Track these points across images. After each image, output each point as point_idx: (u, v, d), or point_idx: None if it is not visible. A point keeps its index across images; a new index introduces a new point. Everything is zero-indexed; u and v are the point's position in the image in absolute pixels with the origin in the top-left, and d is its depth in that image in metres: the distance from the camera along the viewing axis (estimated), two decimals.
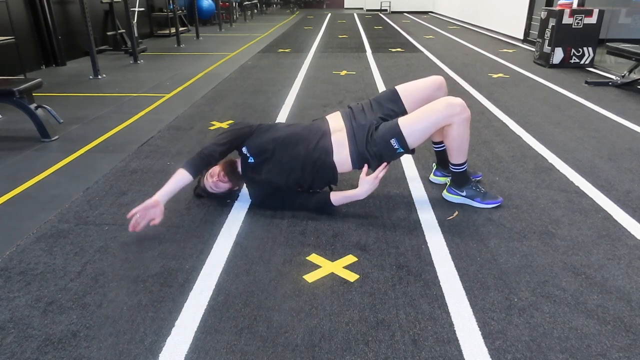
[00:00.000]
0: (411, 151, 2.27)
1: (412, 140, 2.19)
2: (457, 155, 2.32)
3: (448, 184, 2.48)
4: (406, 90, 2.46)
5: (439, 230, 2.20)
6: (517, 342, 1.52)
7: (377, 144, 2.21)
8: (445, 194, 2.48)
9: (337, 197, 2.28)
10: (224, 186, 2.38)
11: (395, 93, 2.44)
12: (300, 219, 2.29)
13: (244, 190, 2.59)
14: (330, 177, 2.31)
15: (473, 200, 2.40)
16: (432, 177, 2.73)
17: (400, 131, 2.17)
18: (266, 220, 2.29)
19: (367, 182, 2.21)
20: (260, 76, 5.78)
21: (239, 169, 2.37)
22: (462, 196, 2.42)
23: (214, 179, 2.34)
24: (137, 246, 2.07)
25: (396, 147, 2.18)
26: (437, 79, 2.50)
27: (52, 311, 1.67)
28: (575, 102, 4.46)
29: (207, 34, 10.62)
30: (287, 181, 2.30)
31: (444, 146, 2.53)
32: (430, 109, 2.19)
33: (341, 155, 2.26)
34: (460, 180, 2.40)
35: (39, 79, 3.57)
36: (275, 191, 2.35)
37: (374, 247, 2.06)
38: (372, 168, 2.27)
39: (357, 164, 2.27)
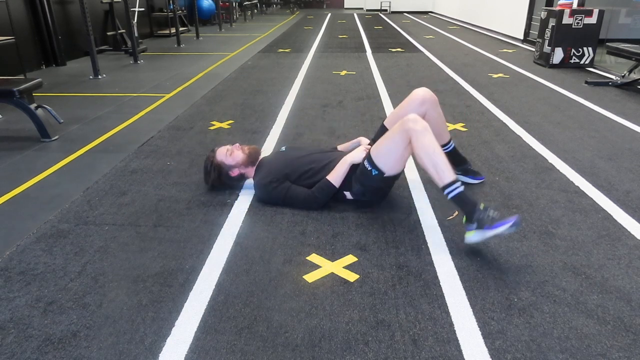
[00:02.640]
0: (392, 176, 2.27)
1: (380, 160, 2.21)
2: (436, 175, 2.02)
3: (464, 220, 2.06)
4: (390, 120, 2.48)
5: (439, 230, 2.20)
6: (517, 342, 1.52)
7: (359, 169, 2.32)
8: (466, 237, 2.04)
9: (335, 176, 2.35)
10: (238, 158, 2.48)
11: (383, 127, 2.49)
12: (300, 219, 2.29)
13: (244, 190, 2.59)
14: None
15: (483, 229, 1.95)
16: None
17: (369, 154, 2.26)
18: (266, 220, 2.29)
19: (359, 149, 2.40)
20: (260, 76, 5.78)
21: (259, 160, 2.56)
22: (475, 230, 1.98)
23: (233, 148, 2.51)
24: (137, 246, 2.07)
25: (369, 168, 2.24)
26: (416, 94, 2.46)
27: (52, 311, 1.67)
28: (575, 102, 4.46)
29: (207, 34, 10.62)
30: (292, 172, 2.43)
31: (447, 147, 2.56)
32: (391, 128, 2.25)
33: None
34: (465, 209, 2.00)
35: (39, 79, 3.57)
36: (279, 183, 2.40)
37: (374, 247, 2.06)
38: (354, 192, 2.37)
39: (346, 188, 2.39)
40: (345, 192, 2.39)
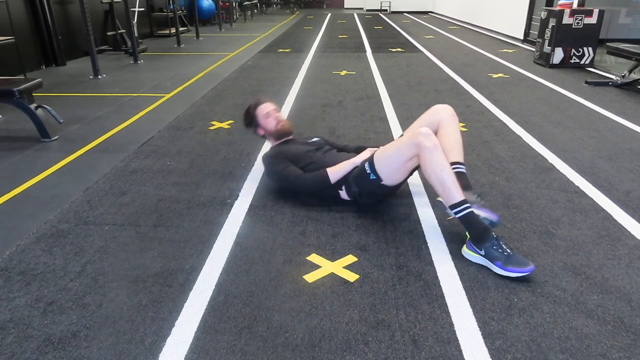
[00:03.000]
0: (388, 185, 2.22)
1: (381, 167, 2.17)
2: (444, 194, 1.98)
3: (468, 236, 2.01)
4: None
5: (439, 230, 2.20)
6: (517, 342, 1.52)
7: (358, 170, 2.31)
8: (464, 250, 2.01)
9: (335, 171, 2.36)
10: (269, 126, 2.68)
11: None
12: (300, 219, 2.29)
13: (244, 190, 2.60)
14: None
15: (493, 263, 1.87)
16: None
17: (372, 157, 2.24)
18: (266, 220, 2.29)
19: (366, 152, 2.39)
20: (260, 76, 5.78)
21: (285, 139, 2.71)
22: (480, 255, 1.92)
23: (273, 113, 2.69)
24: (137, 246, 2.07)
25: (368, 171, 2.21)
26: (435, 106, 2.43)
27: (52, 311, 1.67)
28: (575, 102, 4.46)
29: (207, 34, 10.62)
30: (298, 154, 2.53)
31: (456, 167, 2.25)
32: (400, 138, 2.25)
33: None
34: (472, 231, 1.95)
35: (39, 79, 3.57)
36: (279, 162, 2.49)
37: (374, 247, 2.06)
38: (351, 193, 2.35)
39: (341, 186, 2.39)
40: (340, 191, 2.38)
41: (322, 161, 2.45)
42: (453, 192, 1.94)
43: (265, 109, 2.70)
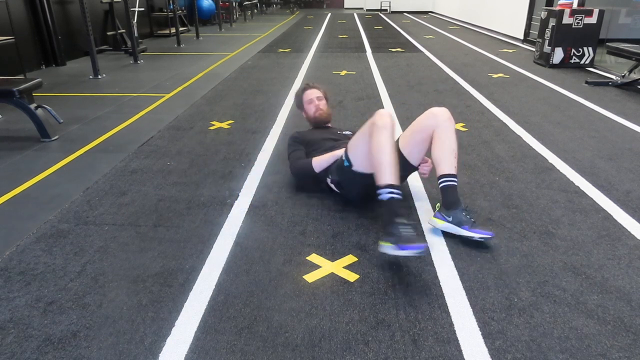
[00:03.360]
0: (360, 173, 2.20)
1: (352, 151, 2.23)
2: (376, 173, 1.99)
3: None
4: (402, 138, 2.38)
5: (439, 230, 2.20)
6: (517, 342, 1.52)
7: (339, 159, 2.37)
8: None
9: (319, 160, 2.46)
10: (309, 112, 2.87)
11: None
12: (300, 219, 2.29)
13: (244, 190, 2.60)
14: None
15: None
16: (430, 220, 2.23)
17: (346, 147, 2.31)
18: (266, 220, 2.29)
19: None
20: (260, 76, 5.78)
21: (321, 125, 2.86)
22: (448, 222, 2.08)
23: (315, 100, 2.85)
24: (137, 246, 2.07)
25: (343, 158, 2.28)
26: (431, 109, 2.27)
27: (52, 311, 1.67)
28: (575, 102, 4.46)
29: (207, 34, 10.62)
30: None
31: (445, 180, 2.14)
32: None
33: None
34: (384, 217, 1.95)
35: (39, 79, 3.57)
36: (294, 143, 2.68)
37: (374, 247, 2.06)
38: (335, 182, 2.42)
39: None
40: (327, 180, 2.46)
41: (325, 151, 2.51)
42: (383, 174, 1.95)
43: (310, 95, 2.86)
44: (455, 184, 2.12)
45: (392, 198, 1.91)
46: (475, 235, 2.03)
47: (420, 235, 2.09)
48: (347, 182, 2.34)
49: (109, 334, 1.56)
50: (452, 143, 2.18)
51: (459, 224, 2.06)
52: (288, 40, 9.54)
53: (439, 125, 2.20)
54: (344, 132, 2.79)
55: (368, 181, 2.12)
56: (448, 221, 2.09)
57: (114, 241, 2.11)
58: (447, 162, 2.14)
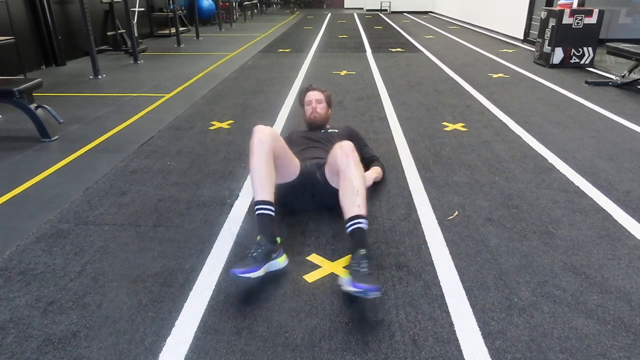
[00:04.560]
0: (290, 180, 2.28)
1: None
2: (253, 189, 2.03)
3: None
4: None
5: (439, 230, 2.20)
6: (517, 342, 1.52)
7: None
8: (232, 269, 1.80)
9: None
10: (306, 112, 2.81)
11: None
12: (300, 219, 2.29)
13: (244, 190, 2.60)
14: None
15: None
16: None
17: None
18: None
19: None
20: (260, 76, 5.78)
21: (314, 127, 2.78)
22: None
23: (313, 102, 2.78)
24: (137, 246, 2.07)
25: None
26: (332, 152, 2.11)
27: (52, 311, 1.67)
28: (575, 102, 4.46)
29: (207, 34, 10.62)
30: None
31: (349, 224, 1.86)
32: None
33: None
34: (258, 229, 1.91)
35: (39, 79, 3.57)
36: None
37: (374, 247, 2.06)
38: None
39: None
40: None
41: (297, 153, 2.43)
42: (256, 192, 1.96)
43: (310, 97, 2.82)
44: (362, 227, 1.85)
45: (260, 213, 1.91)
46: (353, 290, 1.61)
47: (266, 255, 1.82)
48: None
49: (109, 334, 1.56)
50: (355, 182, 1.93)
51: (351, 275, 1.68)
52: (288, 40, 9.54)
53: (339, 165, 1.99)
54: (329, 130, 2.75)
55: (289, 191, 2.26)
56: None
57: (114, 241, 2.11)
58: (347, 204, 1.91)
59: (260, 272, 1.75)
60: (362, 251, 1.76)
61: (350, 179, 1.94)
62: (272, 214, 1.92)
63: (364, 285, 1.59)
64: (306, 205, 2.36)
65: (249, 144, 2.03)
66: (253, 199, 2.01)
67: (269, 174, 1.99)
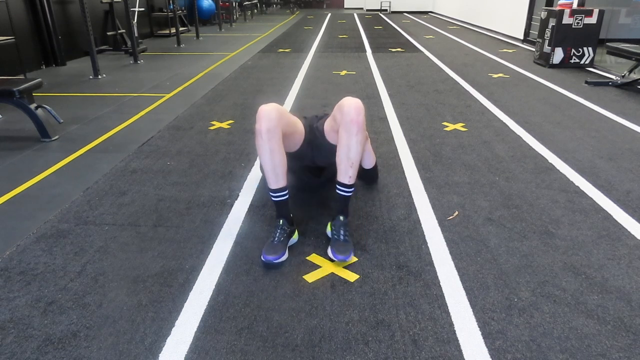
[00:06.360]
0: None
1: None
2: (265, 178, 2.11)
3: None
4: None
5: (439, 230, 2.20)
6: (517, 342, 1.52)
7: None
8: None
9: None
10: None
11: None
12: (300, 219, 2.29)
13: (244, 190, 2.60)
14: None
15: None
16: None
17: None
18: (266, 220, 2.29)
19: None
20: (260, 76, 5.78)
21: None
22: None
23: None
24: (137, 246, 2.07)
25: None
26: (339, 105, 2.11)
27: (52, 311, 1.67)
28: (575, 102, 4.46)
29: (207, 34, 10.62)
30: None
31: (337, 189, 2.06)
32: None
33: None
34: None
35: (39, 79, 3.57)
36: None
37: (374, 247, 2.06)
38: None
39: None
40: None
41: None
42: (269, 180, 2.01)
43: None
44: (346, 194, 2.03)
45: (281, 200, 2.04)
46: (333, 259, 1.94)
47: (288, 237, 2.03)
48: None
49: (109, 334, 1.56)
50: (351, 146, 1.95)
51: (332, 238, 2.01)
52: (288, 40, 9.54)
53: (342, 123, 1.98)
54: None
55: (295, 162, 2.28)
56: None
57: (114, 241, 2.11)
58: (340, 169, 2.01)
59: (287, 254, 1.98)
60: (342, 218, 2.03)
61: (349, 147, 1.97)
62: (288, 197, 2.05)
63: (340, 256, 1.91)
64: (310, 161, 2.38)
65: (254, 128, 1.97)
66: (265, 186, 2.06)
67: (281, 161, 2.00)
